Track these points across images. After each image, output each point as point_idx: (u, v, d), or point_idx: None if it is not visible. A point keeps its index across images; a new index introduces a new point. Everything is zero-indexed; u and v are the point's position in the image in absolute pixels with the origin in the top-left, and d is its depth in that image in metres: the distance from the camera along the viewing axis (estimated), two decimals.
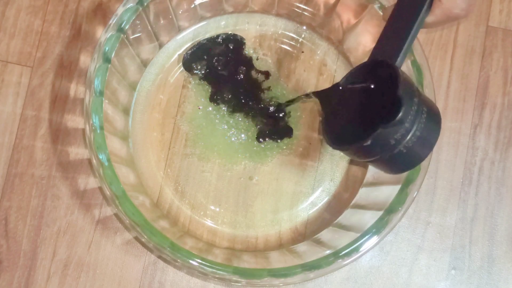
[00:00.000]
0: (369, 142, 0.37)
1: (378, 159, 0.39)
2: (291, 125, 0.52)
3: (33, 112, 0.51)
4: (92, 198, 0.51)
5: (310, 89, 0.52)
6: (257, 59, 0.52)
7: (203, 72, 0.51)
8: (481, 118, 0.53)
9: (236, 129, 0.51)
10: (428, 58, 0.49)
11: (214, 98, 0.51)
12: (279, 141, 0.51)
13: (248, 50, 0.52)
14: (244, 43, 0.52)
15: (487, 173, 0.52)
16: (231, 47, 0.52)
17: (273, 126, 0.51)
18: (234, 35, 0.52)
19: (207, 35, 0.52)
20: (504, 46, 0.53)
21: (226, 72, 0.51)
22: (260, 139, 0.51)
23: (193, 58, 0.52)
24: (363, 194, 0.50)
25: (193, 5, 0.50)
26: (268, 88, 0.52)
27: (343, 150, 0.41)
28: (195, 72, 0.51)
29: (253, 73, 0.52)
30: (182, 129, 0.51)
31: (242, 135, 0.51)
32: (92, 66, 0.43)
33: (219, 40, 0.52)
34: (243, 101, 0.51)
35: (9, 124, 0.51)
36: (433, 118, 0.39)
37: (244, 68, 0.52)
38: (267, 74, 0.52)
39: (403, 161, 0.39)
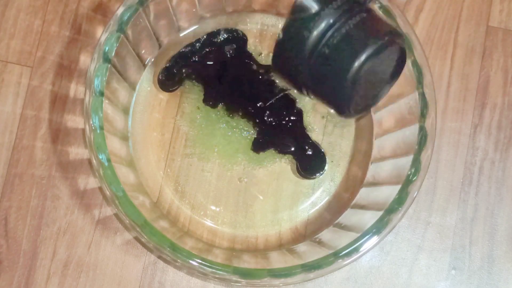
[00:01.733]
0: (281, 36, 0.36)
1: (307, 72, 0.36)
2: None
3: (33, 112, 0.51)
4: (92, 198, 0.51)
5: None
6: (260, 55, 0.52)
7: (193, 77, 0.51)
8: (481, 118, 0.53)
9: (236, 129, 0.51)
10: (428, 58, 0.49)
11: (208, 100, 0.51)
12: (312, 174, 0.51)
13: (249, 50, 0.52)
14: (246, 40, 0.52)
15: (487, 173, 0.52)
16: (228, 45, 0.51)
17: (301, 153, 0.50)
18: (236, 31, 0.52)
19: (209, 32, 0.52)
20: (504, 46, 0.53)
21: (222, 71, 0.51)
22: (258, 146, 0.50)
23: (171, 74, 0.51)
24: (363, 194, 0.50)
25: (193, 5, 0.50)
26: (273, 83, 0.51)
27: (274, 69, 0.39)
28: (185, 78, 0.51)
29: (255, 68, 0.51)
30: (182, 129, 0.51)
31: (243, 135, 0.51)
32: (92, 66, 0.43)
33: (215, 39, 0.51)
34: (241, 101, 0.50)
35: (9, 124, 0.51)
36: (371, 25, 0.35)
37: (235, 46, 0.51)
38: (271, 69, 0.51)
39: (329, 72, 0.35)
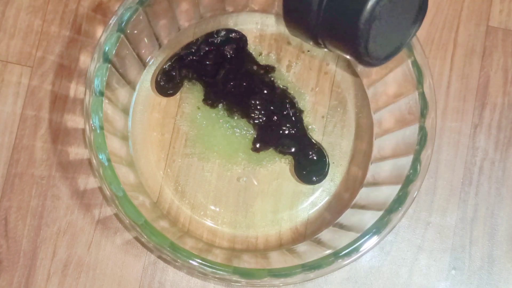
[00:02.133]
0: None
1: (320, 20, 0.35)
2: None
3: (33, 112, 0.51)
4: (92, 198, 0.51)
5: (311, 87, 0.52)
6: (260, 55, 0.52)
7: (194, 76, 0.51)
8: (481, 118, 0.53)
9: (236, 129, 0.51)
10: (428, 58, 0.49)
11: (208, 100, 0.51)
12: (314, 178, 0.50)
13: (249, 50, 0.52)
14: (245, 40, 0.51)
15: (487, 173, 0.52)
16: (228, 45, 0.51)
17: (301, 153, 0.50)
18: (235, 31, 0.51)
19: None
20: (504, 46, 0.53)
21: (221, 71, 0.51)
22: (258, 146, 0.50)
23: (169, 77, 0.51)
24: (363, 194, 0.50)
25: (193, 5, 0.50)
26: (273, 83, 0.51)
27: (286, 23, 0.38)
28: (184, 80, 0.51)
29: (255, 68, 0.51)
30: (182, 129, 0.51)
31: (243, 135, 0.51)
32: (92, 66, 0.43)
33: (214, 39, 0.51)
34: (241, 101, 0.50)
35: (9, 124, 0.51)
36: None
37: (235, 46, 0.51)
38: (271, 69, 0.51)
39: (343, 15, 0.34)
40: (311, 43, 0.38)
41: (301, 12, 0.36)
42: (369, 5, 0.32)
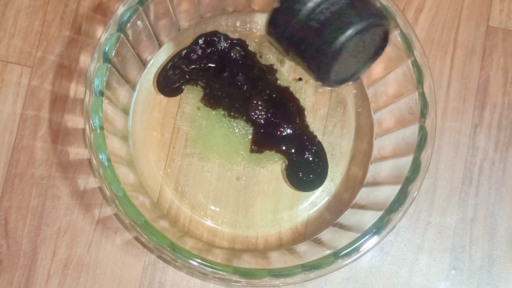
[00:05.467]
0: (277, 6, 0.39)
1: (296, 41, 0.39)
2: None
3: (33, 112, 0.51)
4: (92, 198, 0.51)
5: (312, 84, 0.52)
6: (260, 56, 0.52)
7: (195, 77, 0.51)
8: (481, 118, 0.53)
9: (236, 129, 0.51)
10: (428, 58, 0.49)
11: (208, 100, 0.51)
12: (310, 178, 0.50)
13: (249, 50, 0.52)
14: (244, 43, 0.51)
15: (487, 173, 0.52)
16: (229, 46, 0.51)
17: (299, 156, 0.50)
18: (232, 39, 0.51)
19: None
20: (504, 46, 0.53)
21: (222, 72, 0.51)
22: (257, 146, 0.50)
23: (171, 78, 0.51)
24: (363, 194, 0.50)
25: (193, 5, 0.50)
26: (273, 83, 0.51)
27: (267, 33, 0.41)
28: (185, 82, 0.51)
29: (255, 68, 0.51)
30: (182, 129, 0.51)
31: (242, 135, 0.51)
32: (92, 66, 0.43)
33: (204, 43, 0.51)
34: (241, 101, 0.50)
35: (9, 124, 0.51)
36: (360, 5, 0.38)
37: (236, 47, 0.51)
38: (271, 69, 0.51)
39: (315, 43, 0.38)
40: (285, 57, 0.42)
41: (281, 32, 0.40)
42: (340, 40, 0.37)
